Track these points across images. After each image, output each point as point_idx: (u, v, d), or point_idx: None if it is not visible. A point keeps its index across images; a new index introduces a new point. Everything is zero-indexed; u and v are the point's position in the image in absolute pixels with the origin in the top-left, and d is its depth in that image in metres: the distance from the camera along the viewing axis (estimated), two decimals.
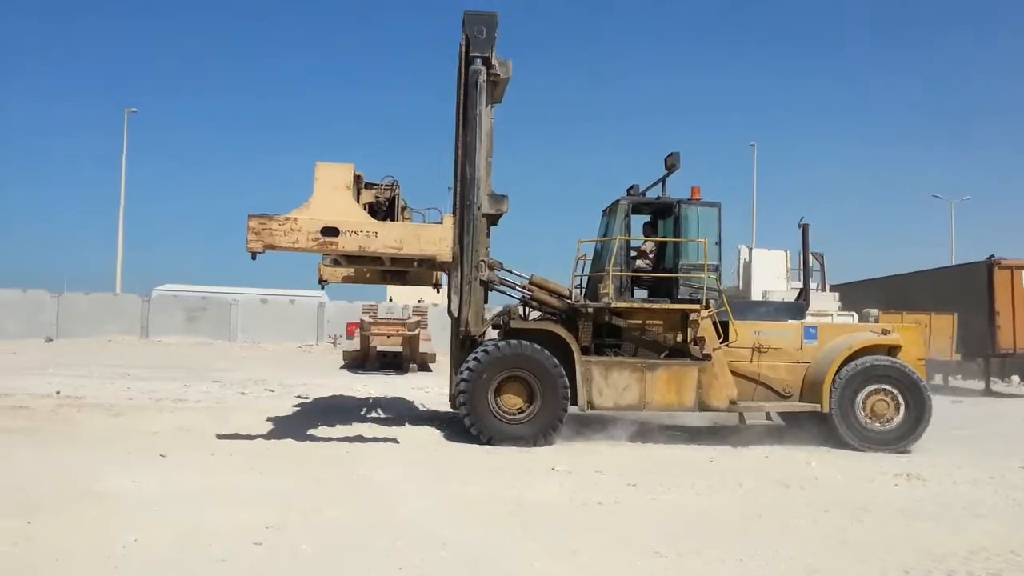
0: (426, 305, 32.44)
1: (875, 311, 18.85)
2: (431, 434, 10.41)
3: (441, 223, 10.23)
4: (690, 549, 5.51)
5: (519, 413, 9.95)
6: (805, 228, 11.60)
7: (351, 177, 8.94)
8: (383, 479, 7.56)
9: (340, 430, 10.27)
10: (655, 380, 10.27)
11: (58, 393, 13.75)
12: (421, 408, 13.42)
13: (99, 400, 12.92)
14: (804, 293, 11.62)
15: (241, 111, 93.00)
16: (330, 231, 8.68)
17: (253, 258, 8.67)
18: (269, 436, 9.82)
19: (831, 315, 18.15)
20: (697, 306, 10.46)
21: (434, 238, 9.02)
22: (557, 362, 9.97)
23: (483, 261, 10.44)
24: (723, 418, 11.67)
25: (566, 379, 9.97)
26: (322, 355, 29.97)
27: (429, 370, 22.82)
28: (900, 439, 10.47)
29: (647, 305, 10.67)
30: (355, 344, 24.44)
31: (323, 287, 12.32)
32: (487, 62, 10.35)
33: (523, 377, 9.96)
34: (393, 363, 22.54)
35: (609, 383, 10.21)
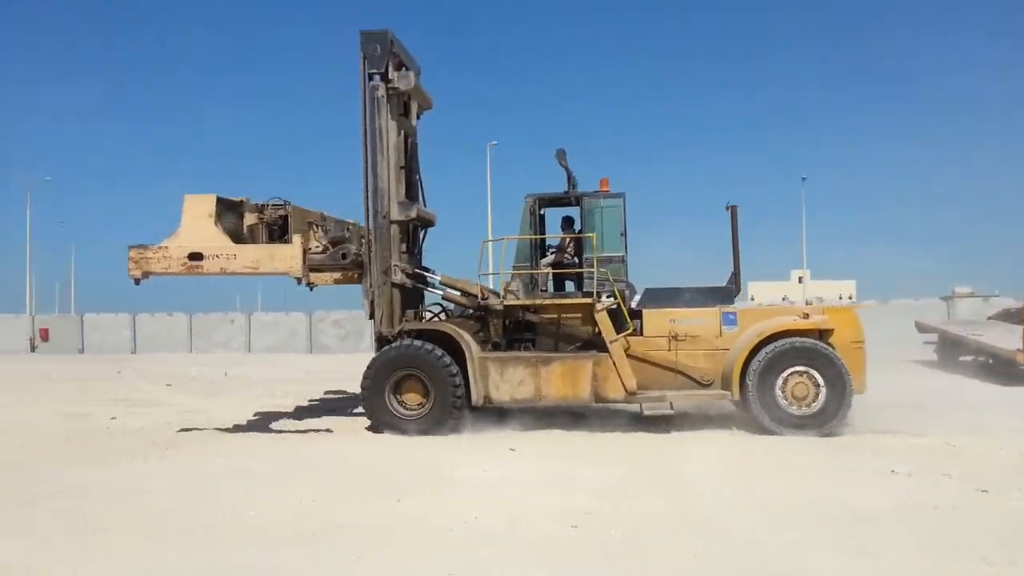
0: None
1: None
2: (766, 435, 10.05)
3: (349, 235, 11.00)
4: None
5: (418, 408, 10.42)
6: (733, 210, 11.25)
7: (213, 207, 9.83)
8: (699, 476, 7.85)
9: (673, 428, 10.44)
10: (549, 374, 10.43)
11: None
12: None
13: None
14: (735, 277, 11.27)
15: None
16: (196, 256, 9.69)
17: (136, 283, 9.71)
18: (604, 430, 10.45)
19: None
20: (588, 299, 10.51)
21: (285, 257, 9.86)
22: (447, 360, 10.35)
23: (396, 265, 10.99)
24: None
25: (457, 375, 10.33)
26: None
27: None
28: (824, 422, 10.06)
29: (539, 301, 10.84)
30: None
31: (311, 289, 13.19)
32: (384, 77, 10.90)
33: (418, 375, 10.43)
34: None
35: (505, 378, 10.47)
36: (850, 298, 50.07)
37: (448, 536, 5.80)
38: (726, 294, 11.12)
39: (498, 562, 5.22)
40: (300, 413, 13.06)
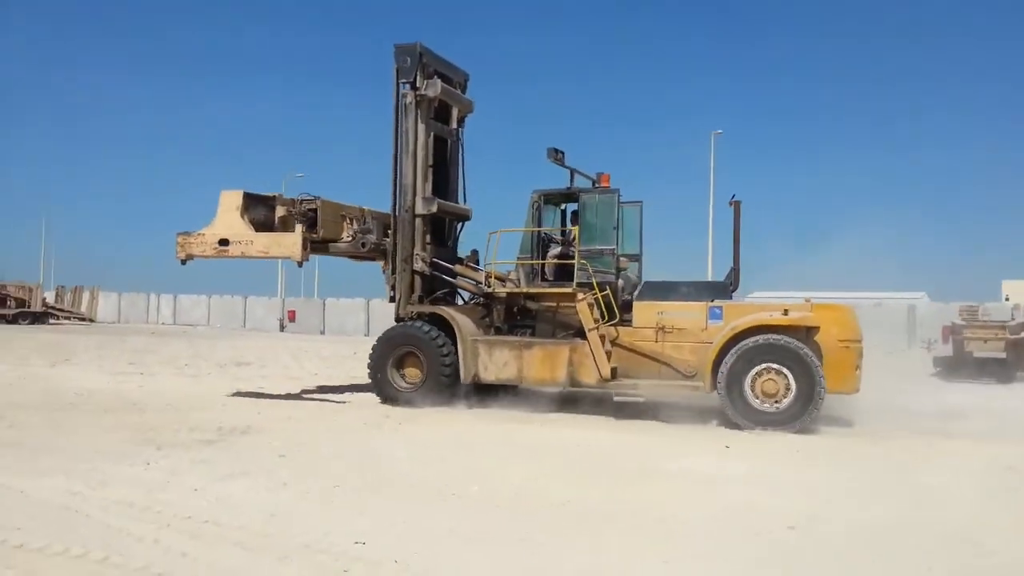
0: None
1: None
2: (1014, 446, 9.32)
3: (371, 228, 12.41)
4: None
5: (417, 383, 11.59)
6: (736, 205, 11.26)
7: (240, 200, 11.54)
8: (935, 483, 7.32)
9: (901, 434, 9.97)
10: (530, 357, 11.16)
11: None
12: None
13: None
14: (734, 273, 11.27)
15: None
16: (224, 242, 11.48)
17: (183, 263, 11.69)
18: (824, 434, 10.06)
19: None
20: (569, 289, 11.08)
21: (288, 243, 11.37)
22: (437, 336, 11.41)
23: (417, 255, 12.22)
24: None
25: (447, 352, 11.35)
26: (913, 362, 23.65)
27: None
28: (792, 419, 10.00)
29: (528, 290, 11.57)
30: (947, 349, 20.54)
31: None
32: (412, 86, 12.18)
33: (416, 352, 11.59)
34: (995, 371, 18.74)
35: (492, 359, 11.34)
36: None
37: (663, 526, 5.74)
38: (721, 289, 11.21)
39: (711, 556, 5.09)
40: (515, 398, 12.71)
